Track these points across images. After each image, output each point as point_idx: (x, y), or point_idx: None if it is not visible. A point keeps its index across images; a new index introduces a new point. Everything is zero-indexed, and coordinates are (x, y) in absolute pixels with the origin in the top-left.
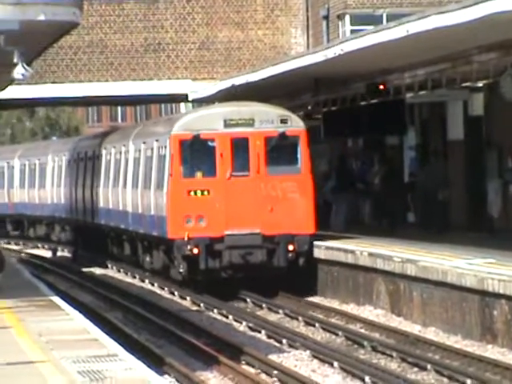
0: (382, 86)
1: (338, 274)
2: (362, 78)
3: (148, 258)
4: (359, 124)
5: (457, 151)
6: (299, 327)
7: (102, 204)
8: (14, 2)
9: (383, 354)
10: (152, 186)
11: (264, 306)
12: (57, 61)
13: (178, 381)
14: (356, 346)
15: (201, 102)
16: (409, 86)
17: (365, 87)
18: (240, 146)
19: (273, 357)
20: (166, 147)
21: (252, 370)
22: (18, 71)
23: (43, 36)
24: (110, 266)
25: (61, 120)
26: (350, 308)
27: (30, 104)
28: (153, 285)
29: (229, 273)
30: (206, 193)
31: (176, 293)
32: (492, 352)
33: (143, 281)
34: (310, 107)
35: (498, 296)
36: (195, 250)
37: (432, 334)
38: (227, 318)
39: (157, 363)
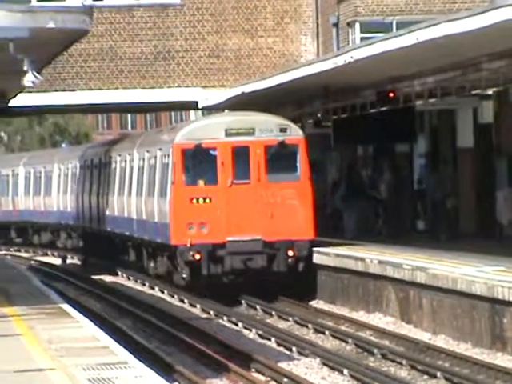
0: (391, 94)
1: (348, 281)
2: (372, 85)
3: (152, 264)
4: (369, 132)
5: (466, 159)
6: (309, 335)
7: (108, 211)
8: (24, 9)
9: (393, 361)
10: (155, 193)
11: (274, 313)
12: (67, 68)
13: None
14: (366, 353)
15: (211, 110)
16: (419, 93)
17: (375, 95)
18: (241, 155)
19: (283, 364)
20: (168, 156)
21: (262, 378)
22: (28, 79)
23: (53, 44)
24: (119, 273)
25: (70, 127)
26: (360, 315)
27: (40, 111)
28: (162, 292)
29: (230, 278)
30: (207, 200)
31: (186, 300)
32: (502, 359)
33: (153, 288)
34: (319, 115)
35: (507, 303)
36: (197, 256)
37: (442, 341)
38: (237, 325)
39: (167, 371)
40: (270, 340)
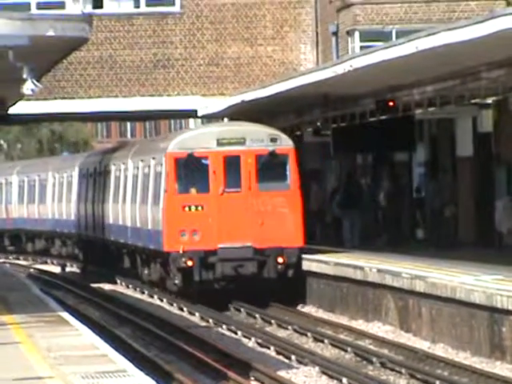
0: (391, 103)
1: (348, 289)
2: (372, 94)
3: (146, 271)
4: (368, 140)
5: (466, 168)
6: (308, 343)
7: (104, 219)
8: (24, 17)
9: (392, 370)
10: (149, 201)
11: (273, 321)
12: (66, 76)
13: None
14: (365, 362)
15: (210, 118)
16: (418, 102)
17: (374, 103)
18: (232, 164)
19: (282, 373)
20: (162, 164)
21: None
22: (28, 87)
23: (53, 51)
24: (118, 281)
25: (68, 134)
26: (359, 324)
27: (39, 119)
28: (161, 300)
29: (221, 284)
30: (199, 208)
31: (185, 308)
32: (501, 368)
33: (152, 296)
34: (319, 123)
35: (506, 312)
36: (189, 263)
37: (441, 350)
38: (236, 333)
39: (166, 379)
40: (269, 348)
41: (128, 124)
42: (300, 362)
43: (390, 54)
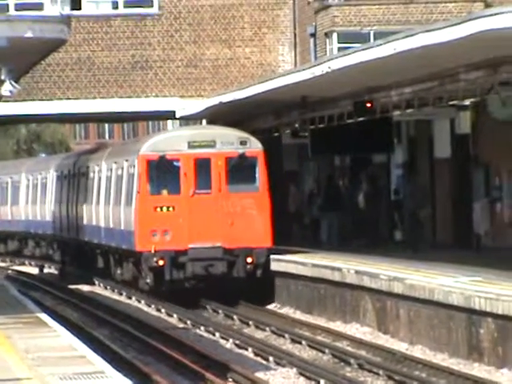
0: (369, 104)
1: (325, 291)
2: (349, 95)
3: (119, 270)
4: (346, 142)
5: (444, 169)
6: (286, 345)
7: (78, 220)
8: (2, 18)
9: (370, 371)
10: (122, 202)
11: (251, 323)
12: (44, 78)
13: None
14: (343, 363)
15: (188, 120)
16: (396, 103)
17: (352, 105)
18: (203, 166)
19: (259, 374)
20: (134, 166)
21: None
22: (6, 88)
23: (31, 53)
24: (96, 282)
25: (46, 135)
26: (337, 325)
27: (17, 121)
28: (139, 302)
29: (192, 283)
30: (171, 209)
31: (163, 310)
32: (479, 370)
33: (130, 298)
34: (297, 125)
35: (484, 314)
36: (161, 262)
37: (419, 351)
38: (214, 335)
39: (144, 380)
40: (247, 350)
41: (106, 125)
42: (278, 364)
43: (368, 55)
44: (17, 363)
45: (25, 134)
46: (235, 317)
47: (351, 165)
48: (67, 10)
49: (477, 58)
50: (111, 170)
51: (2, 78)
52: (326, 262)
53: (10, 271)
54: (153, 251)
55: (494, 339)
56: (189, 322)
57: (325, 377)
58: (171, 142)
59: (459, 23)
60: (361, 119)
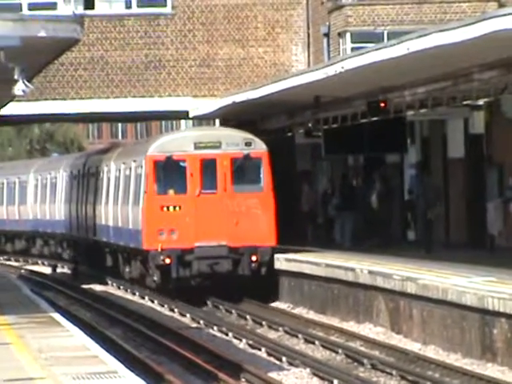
0: (382, 104)
1: (339, 291)
2: (363, 95)
3: (127, 269)
4: (360, 142)
5: (457, 169)
6: (299, 345)
7: (87, 219)
8: (15, 18)
9: (383, 372)
10: (130, 202)
11: (264, 323)
12: (57, 77)
13: None
14: (356, 363)
15: (201, 119)
16: (409, 103)
17: (365, 105)
18: (208, 166)
19: (272, 374)
20: (142, 167)
21: None
22: (19, 87)
23: (44, 52)
24: (109, 282)
25: (59, 135)
26: (350, 326)
27: (30, 120)
28: (153, 302)
29: (198, 281)
30: (177, 208)
31: (176, 310)
32: (492, 370)
33: (143, 297)
34: (310, 124)
35: (497, 314)
36: (167, 260)
37: (432, 352)
38: (227, 335)
39: (157, 380)
40: (260, 350)
41: (119, 125)
42: (291, 364)
43: (382, 55)
44: (30, 363)
45: (38, 133)
46: (248, 317)
47: (365, 164)
48: (80, 10)
49: (491, 57)
50: (120, 170)
51: (15, 77)
52: (340, 262)
53: (22, 271)
54: (160, 250)
55: (507, 339)
56: (202, 321)
57: (338, 377)
58: (178, 143)
59: (473, 23)
60: (374, 119)
